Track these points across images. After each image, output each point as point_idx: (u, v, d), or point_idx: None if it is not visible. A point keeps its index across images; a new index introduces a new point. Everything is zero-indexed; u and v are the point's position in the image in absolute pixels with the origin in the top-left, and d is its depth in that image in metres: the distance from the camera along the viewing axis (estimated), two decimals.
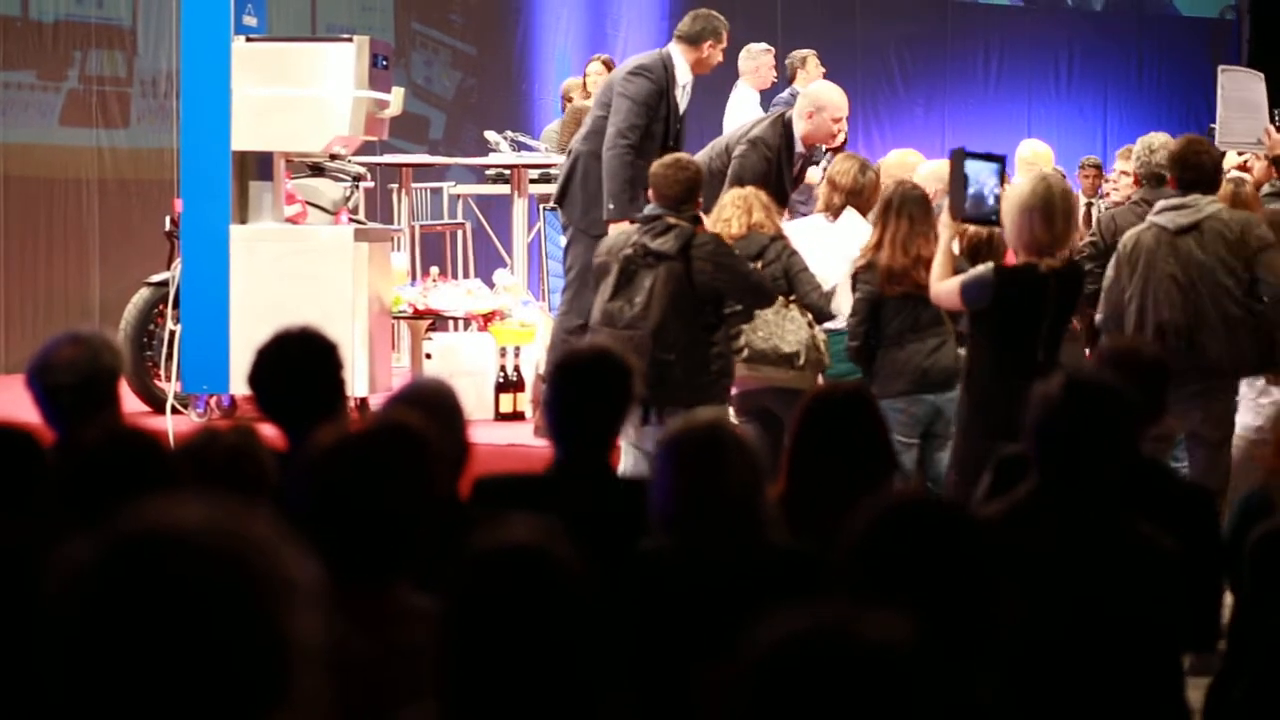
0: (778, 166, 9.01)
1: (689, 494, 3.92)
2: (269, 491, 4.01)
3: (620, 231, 7.82)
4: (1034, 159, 9.74)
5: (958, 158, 7.03)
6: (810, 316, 7.74)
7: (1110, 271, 7.53)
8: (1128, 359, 5.11)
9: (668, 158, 7.76)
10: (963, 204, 6.90)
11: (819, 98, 9.18)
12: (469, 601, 2.77)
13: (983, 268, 6.80)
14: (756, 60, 12.40)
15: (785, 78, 12.70)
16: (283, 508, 3.37)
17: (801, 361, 7.67)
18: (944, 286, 6.84)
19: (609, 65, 11.81)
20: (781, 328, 7.69)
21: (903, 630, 1.93)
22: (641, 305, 7.37)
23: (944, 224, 7.00)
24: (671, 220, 7.42)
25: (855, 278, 7.52)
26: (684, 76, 9.18)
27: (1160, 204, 7.50)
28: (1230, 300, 7.28)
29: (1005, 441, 6.30)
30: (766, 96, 12.28)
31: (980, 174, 6.93)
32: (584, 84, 12.53)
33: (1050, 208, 6.59)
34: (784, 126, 9.06)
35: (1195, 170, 7.47)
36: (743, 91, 12.26)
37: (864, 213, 8.02)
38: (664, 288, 7.34)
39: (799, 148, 9.06)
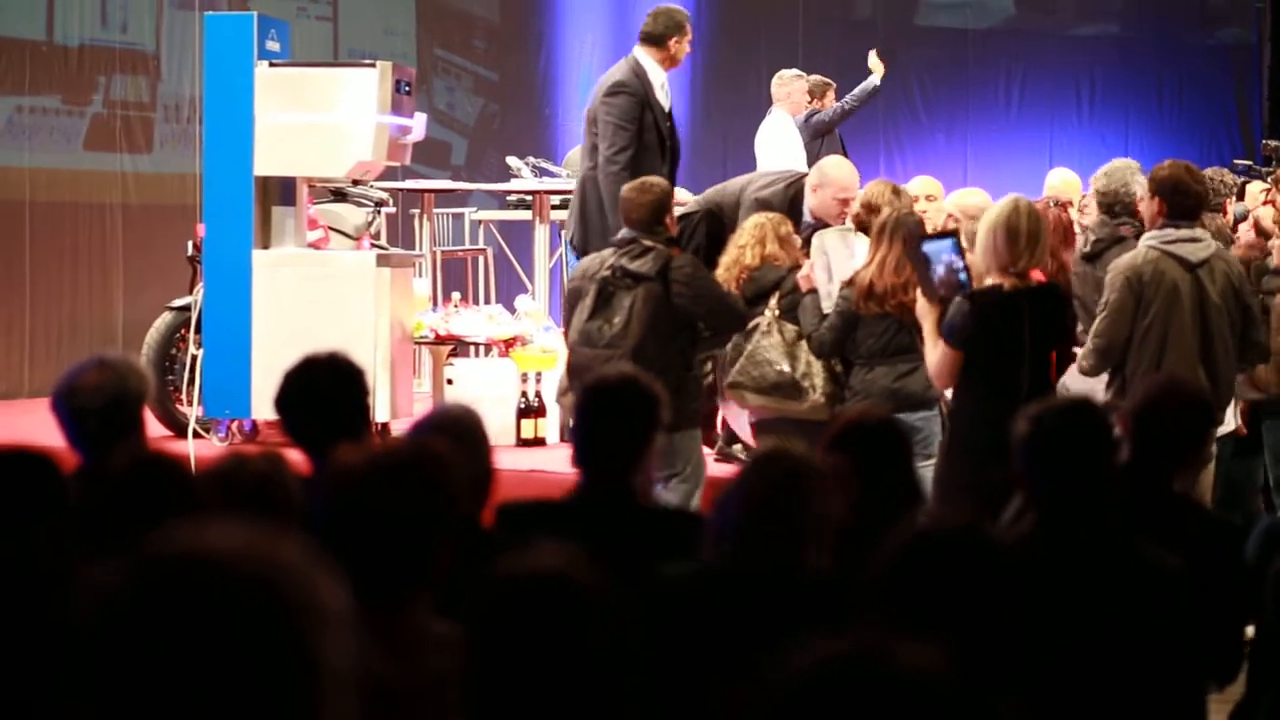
0: None
1: (763, 518, 3.91)
2: (296, 518, 4.02)
3: (592, 256, 7.87)
4: (1064, 187, 9.75)
5: (910, 246, 6.99)
6: None
7: (1119, 295, 7.21)
8: (1172, 396, 5.07)
9: (634, 181, 7.84)
10: (933, 285, 6.82)
11: (825, 173, 8.72)
12: (493, 628, 2.77)
13: (955, 303, 6.76)
14: (789, 86, 12.41)
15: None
16: (309, 533, 3.37)
17: (818, 394, 7.69)
18: (934, 356, 6.80)
19: None
20: (795, 355, 7.72)
21: (933, 658, 1.93)
22: (621, 325, 7.42)
23: (922, 312, 6.91)
24: (647, 242, 7.49)
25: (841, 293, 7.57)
26: (658, 77, 9.22)
27: (1169, 234, 7.20)
28: (1224, 342, 7.26)
29: (984, 463, 6.33)
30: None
31: (939, 252, 6.86)
32: None
33: (1013, 226, 6.66)
34: (795, 193, 8.77)
35: (1194, 198, 7.27)
36: (777, 117, 12.26)
37: None
38: (644, 308, 7.40)
39: (807, 217, 8.64)
